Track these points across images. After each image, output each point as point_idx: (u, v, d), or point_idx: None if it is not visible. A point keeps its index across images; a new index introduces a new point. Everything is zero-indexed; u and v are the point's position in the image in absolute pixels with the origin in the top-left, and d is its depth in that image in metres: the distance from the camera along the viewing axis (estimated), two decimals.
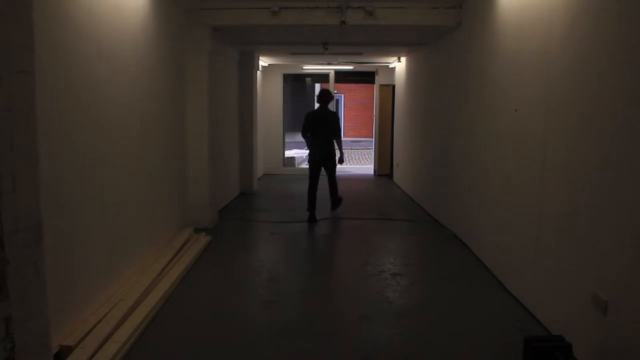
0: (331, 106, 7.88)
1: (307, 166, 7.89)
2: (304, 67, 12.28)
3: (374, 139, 12.82)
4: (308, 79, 14.94)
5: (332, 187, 7.61)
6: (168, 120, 5.70)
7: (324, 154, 7.30)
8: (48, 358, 2.60)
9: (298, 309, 4.27)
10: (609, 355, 2.92)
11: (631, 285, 2.72)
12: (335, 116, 7.57)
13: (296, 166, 14.24)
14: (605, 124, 3.01)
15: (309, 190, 7.31)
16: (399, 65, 10.84)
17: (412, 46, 8.76)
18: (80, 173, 3.57)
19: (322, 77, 13.53)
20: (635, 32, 2.74)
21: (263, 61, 11.19)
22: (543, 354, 2.82)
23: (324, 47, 8.37)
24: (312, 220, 7.21)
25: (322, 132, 7.22)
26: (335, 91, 12.69)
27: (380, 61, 11.65)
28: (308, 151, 7.68)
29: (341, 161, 7.52)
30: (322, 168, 7.37)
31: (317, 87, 25.46)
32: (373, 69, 12.35)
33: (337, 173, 7.66)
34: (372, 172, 12.76)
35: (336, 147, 7.41)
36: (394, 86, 11.60)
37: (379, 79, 12.35)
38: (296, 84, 18.90)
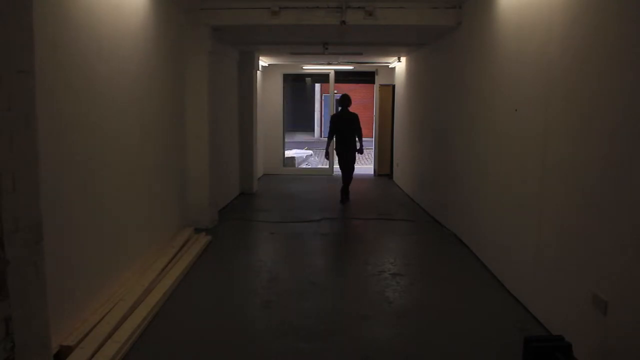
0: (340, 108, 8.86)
1: (338, 167, 9.27)
2: (304, 67, 12.26)
3: (374, 138, 12.81)
4: (308, 79, 14.93)
5: (346, 182, 8.72)
6: (168, 120, 5.70)
7: (351, 157, 8.66)
8: (48, 358, 2.61)
9: (298, 309, 4.26)
10: (609, 355, 2.92)
11: (631, 285, 2.72)
12: (356, 117, 8.64)
13: (296, 166, 14.23)
14: (605, 124, 3.01)
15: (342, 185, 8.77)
16: (399, 65, 10.83)
17: (412, 46, 8.76)
18: (80, 173, 3.57)
19: (322, 77, 13.51)
20: (635, 32, 2.74)
21: (263, 61, 11.18)
22: (543, 354, 2.82)
23: (324, 47, 8.38)
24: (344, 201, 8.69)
25: (346, 131, 8.50)
26: (336, 91, 12.69)
27: (380, 61, 11.65)
28: (336, 155, 8.96)
29: (361, 152, 8.72)
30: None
31: (317, 87, 25.67)
32: (373, 69, 12.35)
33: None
34: (372, 172, 12.76)
35: (357, 140, 8.71)
36: (394, 86, 11.60)
37: (379, 79, 12.35)
38: (296, 84, 18.90)
